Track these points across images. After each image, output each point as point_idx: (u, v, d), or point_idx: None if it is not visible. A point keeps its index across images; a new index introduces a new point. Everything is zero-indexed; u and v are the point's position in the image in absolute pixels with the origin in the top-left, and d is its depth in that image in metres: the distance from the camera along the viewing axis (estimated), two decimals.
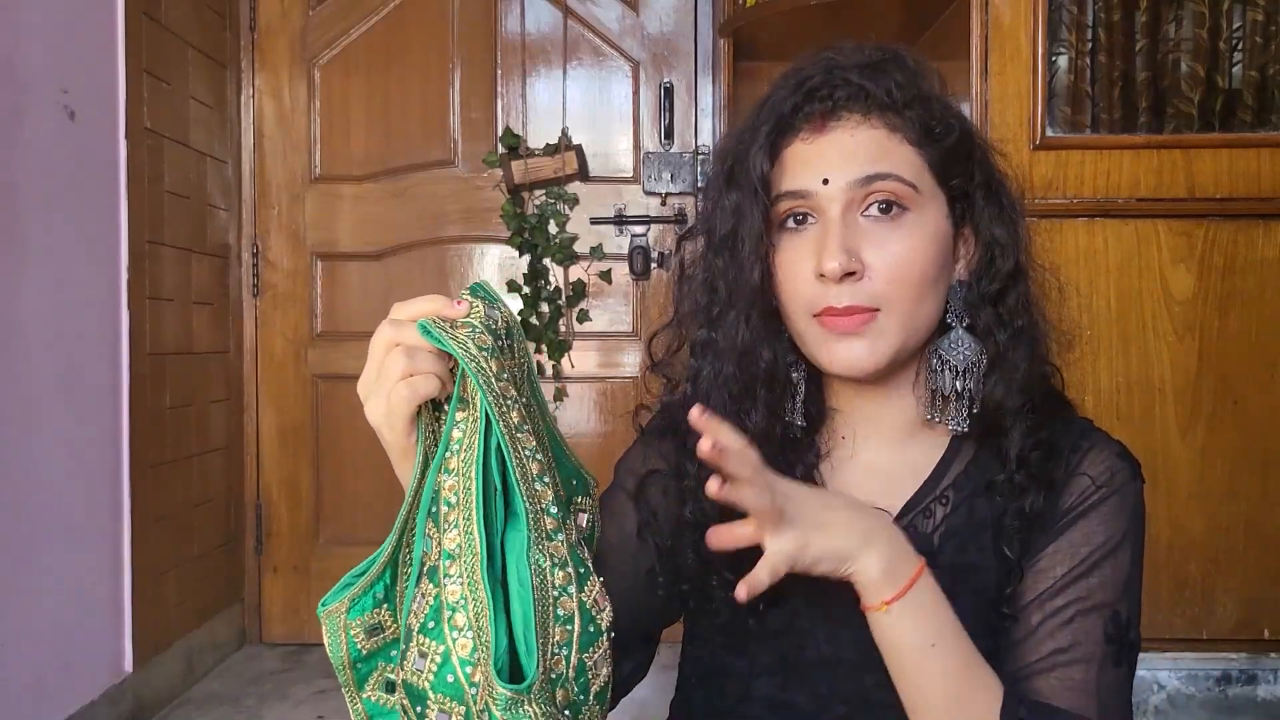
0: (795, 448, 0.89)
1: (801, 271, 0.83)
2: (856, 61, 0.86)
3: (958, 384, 0.85)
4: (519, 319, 0.73)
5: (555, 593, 0.71)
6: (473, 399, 0.71)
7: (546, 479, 0.74)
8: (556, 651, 0.70)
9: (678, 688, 0.96)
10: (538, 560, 0.71)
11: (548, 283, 2.80)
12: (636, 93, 2.83)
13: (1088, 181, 2.02)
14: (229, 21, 2.77)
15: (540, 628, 0.69)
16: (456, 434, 0.72)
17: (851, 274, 0.81)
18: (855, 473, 0.90)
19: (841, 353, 0.82)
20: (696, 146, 2.80)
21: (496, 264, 2.84)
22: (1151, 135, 2.10)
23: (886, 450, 0.89)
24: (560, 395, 2.82)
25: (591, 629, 0.72)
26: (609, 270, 2.82)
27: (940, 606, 0.78)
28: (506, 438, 0.71)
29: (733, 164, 0.87)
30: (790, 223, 0.84)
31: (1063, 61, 2.18)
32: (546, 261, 2.80)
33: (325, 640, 0.76)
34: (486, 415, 0.71)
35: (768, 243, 0.85)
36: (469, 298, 0.74)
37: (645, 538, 0.91)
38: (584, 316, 2.82)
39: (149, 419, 2.31)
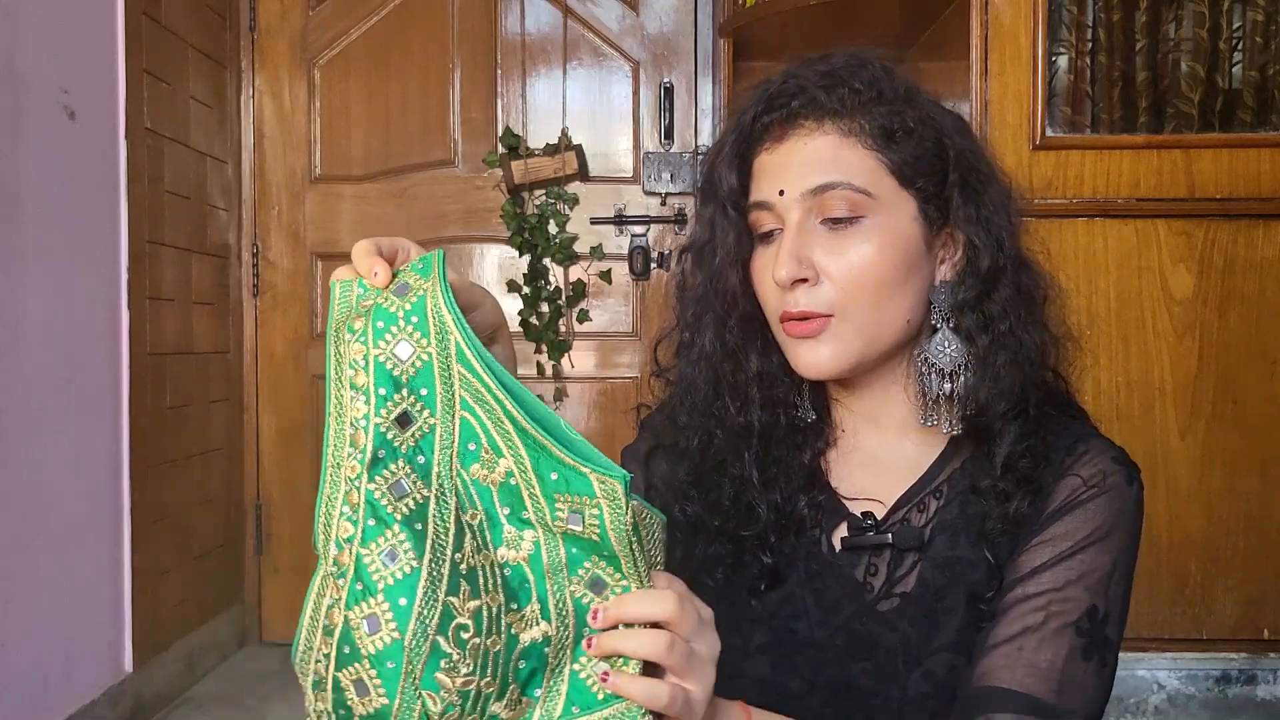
0: (805, 433, 0.91)
1: (766, 279, 0.86)
2: (818, 69, 0.87)
3: (945, 386, 0.85)
4: (448, 297, 0.66)
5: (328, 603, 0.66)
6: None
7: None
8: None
9: None
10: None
11: (548, 283, 2.80)
12: (636, 93, 2.83)
13: (1088, 181, 2.02)
14: (229, 21, 2.77)
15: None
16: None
17: (804, 280, 0.83)
18: (855, 464, 0.92)
19: (804, 356, 0.85)
20: (696, 146, 2.80)
21: (496, 264, 2.84)
22: (1151, 135, 2.10)
23: (885, 444, 0.91)
24: (560, 395, 2.82)
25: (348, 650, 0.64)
26: (609, 270, 2.82)
27: None
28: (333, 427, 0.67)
29: (708, 175, 0.90)
30: (763, 232, 0.88)
31: (1063, 61, 2.18)
32: (546, 261, 2.80)
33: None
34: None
35: (747, 251, 0.88)
36: (404, 274, 0.67)
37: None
38: (584, 316, 2.82)
39: (149, 419, 2.31)
